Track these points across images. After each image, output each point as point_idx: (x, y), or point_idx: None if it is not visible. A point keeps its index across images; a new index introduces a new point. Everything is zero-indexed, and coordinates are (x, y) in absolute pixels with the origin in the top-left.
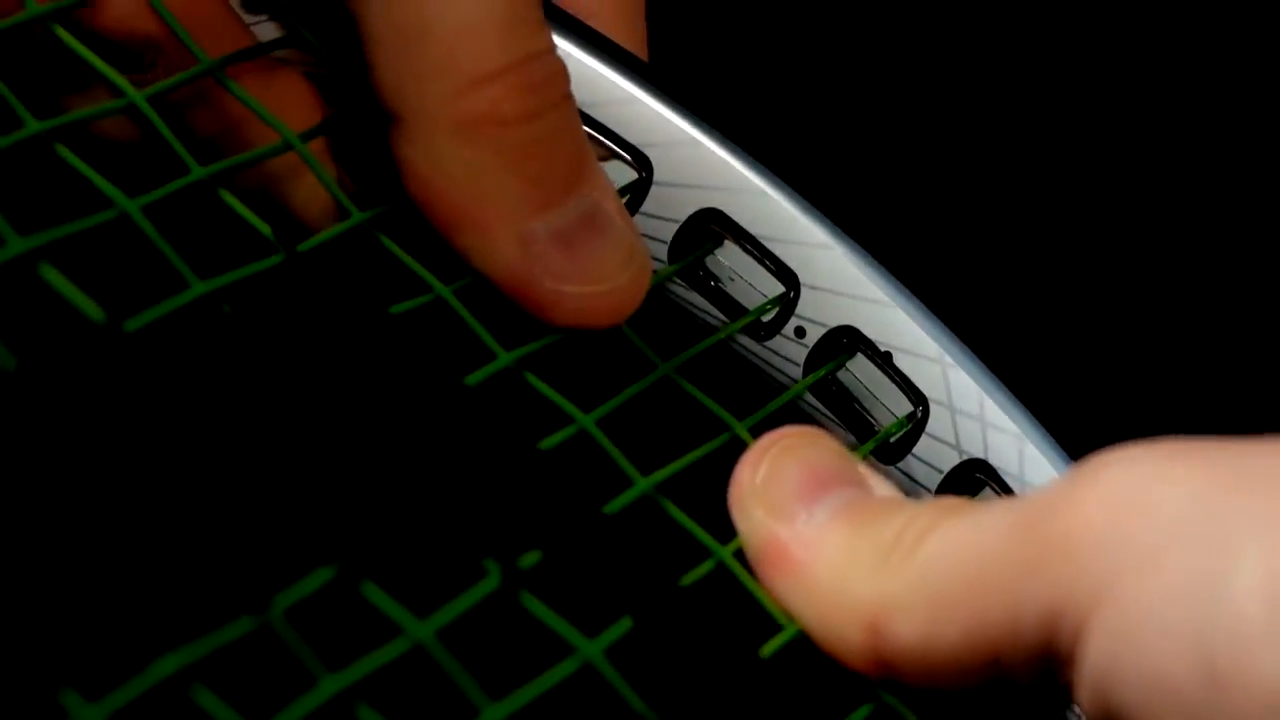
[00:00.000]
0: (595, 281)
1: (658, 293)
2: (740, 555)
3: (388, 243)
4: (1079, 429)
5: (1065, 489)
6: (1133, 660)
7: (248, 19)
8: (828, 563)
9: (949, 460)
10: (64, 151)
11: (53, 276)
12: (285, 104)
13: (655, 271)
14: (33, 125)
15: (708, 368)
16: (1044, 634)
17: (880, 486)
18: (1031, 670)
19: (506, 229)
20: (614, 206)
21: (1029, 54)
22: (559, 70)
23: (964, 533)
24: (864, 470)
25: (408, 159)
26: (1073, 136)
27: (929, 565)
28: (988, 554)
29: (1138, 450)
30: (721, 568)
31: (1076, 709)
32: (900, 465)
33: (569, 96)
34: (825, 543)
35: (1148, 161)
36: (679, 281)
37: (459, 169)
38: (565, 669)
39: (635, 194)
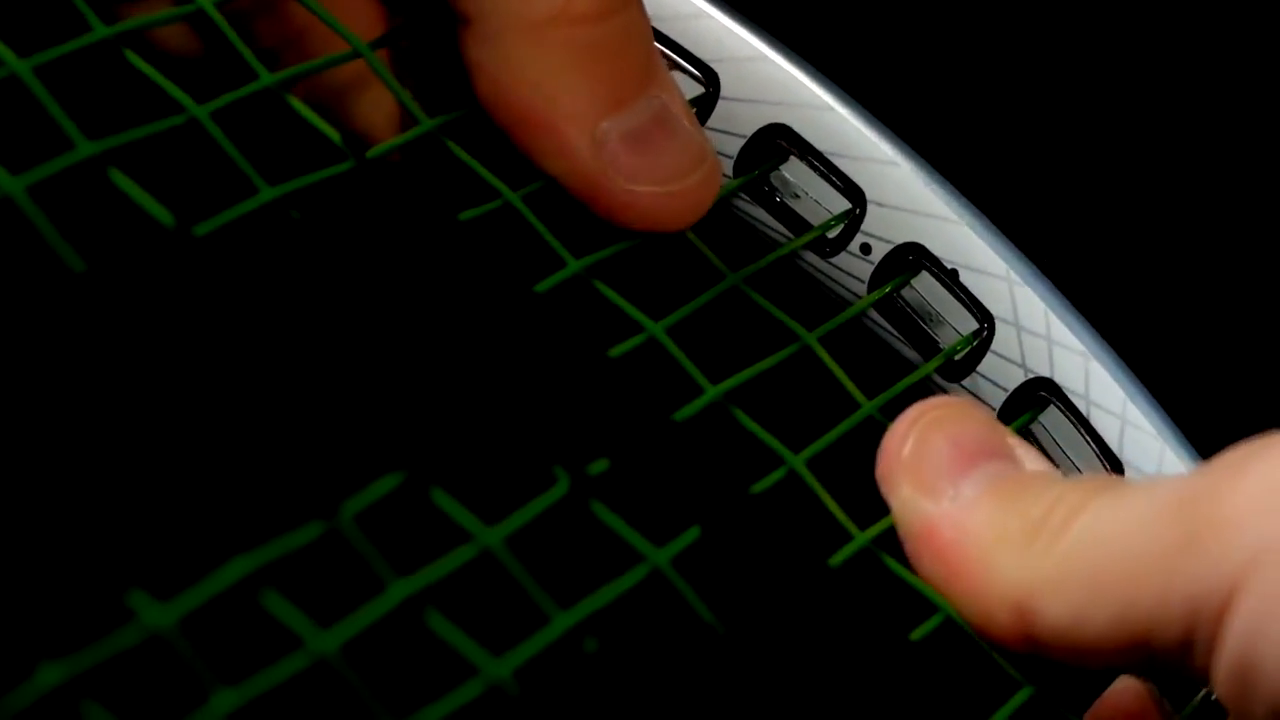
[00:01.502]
0: (666, 181)
1: (723, 207)
2: (813, 464)
3: (456, 149)
4: (1145, 347)
5: (1217, 475)
6: (1276, 634)
7: None
8: (975, 542)
9: (1015, 378)
10: (133, 57)
11: (122, 181)
12: (351, 15)
13: (722, 185)
14: (100, 30)
15: (773, 283)
16: (1190, 616)
17: (1029, 459)
18: (1176, 654)
19: (578, 129)
20: (682, 108)
21: None
22: None
23: (1115, 514)
24: (1013, 441)
25: (478, 61)
26: (1145, 52)
27: (1079, 547)
28: (1139, 538)
29: None
30: (792, 476)
31: (1212, 693)
32: (965, 383)
33: None
34: (973, 521)
35: (1232, 108)
36: (744, 197)
37: (530, 69)
38: (633, 577)
39: (702, 109)
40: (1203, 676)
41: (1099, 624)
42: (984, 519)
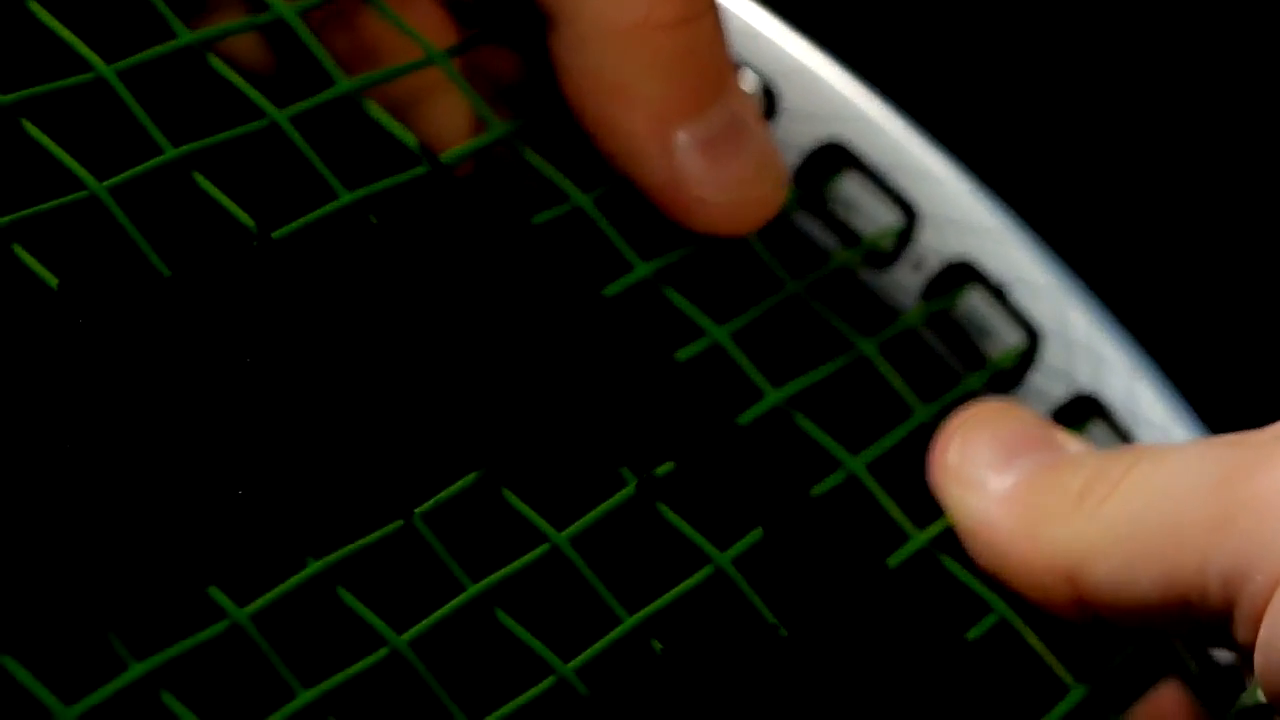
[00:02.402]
0: (737, 190)
1: (781, 220)
2: (872, 468)
3: (528, 154)
4: (1192, 364)
5: (1263, 449)
6: None
7: None
8: (1024, 519)
9: (1061, 394)
10: (216, 63)
11: (206, 185)
12: (425, 24)
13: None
14: (185, 35)
15: (828, 294)
16: (1230, 591)
17: (1074, 447)
18: (1216, 622)
19: (656, 134)
20: (755, 117)
21: None
22: None
23: (1158, 481)
24: (1059, 434)
25: (564, 61)
26: (1203, 70)
27: (1123, 512)
28: (1181, 506)
29: None
30: (852, 479)
31: (1247, 696)
32: (1012, 397)
33: (716, 5)
34: (1017, 501)
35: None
36: (802, 209)
37: (615, 73)
38: (698, 578)
39: None
40: (1246, 648)
41: (1144, 586)
42: (1027, 498)
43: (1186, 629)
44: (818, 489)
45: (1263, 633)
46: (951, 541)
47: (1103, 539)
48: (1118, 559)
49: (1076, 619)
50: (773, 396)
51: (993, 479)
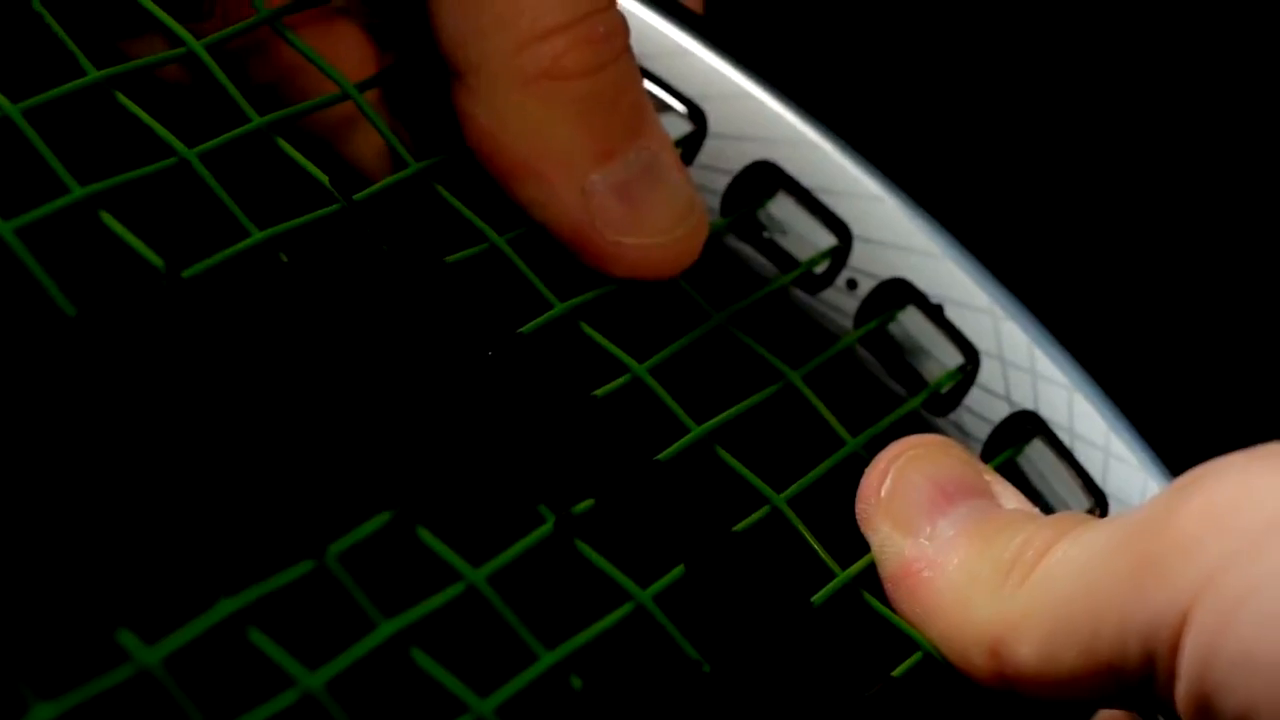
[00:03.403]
0: (654, 234)
1: (711, 244)
2: (793, 504)
3: (444, 193)
4: (1129, 381)
5: (1167, 502)
6: (1231, 643)
7: None
8: (951, 582)
9: (1000, 412)
10: (123, 99)
11: (113, 224)
12: (342, 54)
13: (708, 234)
14: (93, 74)
15: (760, 319)
16: (1148, 645)
17: (1007, 496)
18: (1140, 684)
19: (567, 181)
20: (672, 159)
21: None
22: (619, 24)
23: (1079, 550)
24: (991, 478)
25: (469, 112)
26: (1128, 87)
27: (1044, 588)
28: (1095, 574)
29: (1237, 458)
30: (775, 514)
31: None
32: (951, 417)
33: (629, 50)
34: (948, 562)
35: (1204, 116)
36: (732, 234)
37: (521, 122)
38: (618, 614)
39: (689, 146)
40: (1169, 708)
41: (1068, 660)
42: (959, 560)
43: (1115, 698)
44: (740, 525)
45: (1178, 673)
46: (876, 578)
47: (1026, 612)
48: (1041, 633)
49: (997, 688)
50: (695, 432)
51: (928, 527)
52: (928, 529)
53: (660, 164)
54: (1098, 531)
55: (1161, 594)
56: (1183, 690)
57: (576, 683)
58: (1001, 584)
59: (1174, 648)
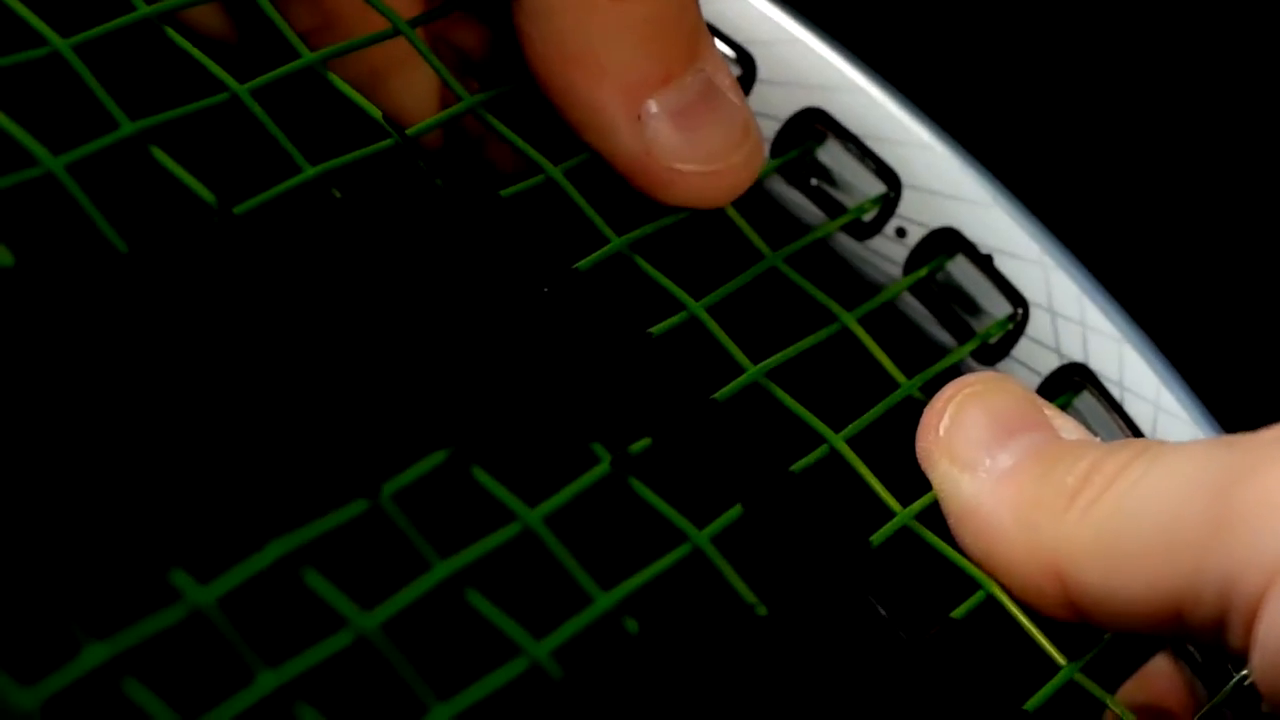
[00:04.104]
0: (710, 160)
1: (759, 190)
2: (853, 443)
3: (497, 124)
4: (1179, 333)
5: (1259, 451)
6: None
7: None
8: (1013, 509)
9: (1049, 363)
10: (174, 35)
11: (164, 159)
12: None
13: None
14: (142, 8)
15: (809, 265)
16: (1225, 597)
17: (1068, 429)
18: (1210, 628)
19: (624, 105)
20: (729, 83)
21: None
22: None
23: (1151, 483)
24: (1051, 413)
25: (528, 33)
26: (1189, 33)
27: (1114, 515)
28: (1174, 511)
29: None
30: (832, 455)
31: (1248, 672)
32: (1000, 367)
33: None
34: (1010, 491)
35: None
36: (781, 179)
37: (579, 43)
38: (674, 556)
39: None
40: (1240, 655)
41: (1132, 592)
42: (1021, 488)
43: (1178, 634)
44: (798, 465)
45: (1258, 637)
46: (937, 517)
47: (1094, 541)
48: (1108, 562)
49: (1064, 618)
50: (751, 371)
51: (986, 459)
52: (986, 462)
53: (716, 88)
54: (1175, 462)
55: (1245, 551)
56: (1260, 655)
57: (632, 625)
58: (1067, 509)
59: (1253, 608)
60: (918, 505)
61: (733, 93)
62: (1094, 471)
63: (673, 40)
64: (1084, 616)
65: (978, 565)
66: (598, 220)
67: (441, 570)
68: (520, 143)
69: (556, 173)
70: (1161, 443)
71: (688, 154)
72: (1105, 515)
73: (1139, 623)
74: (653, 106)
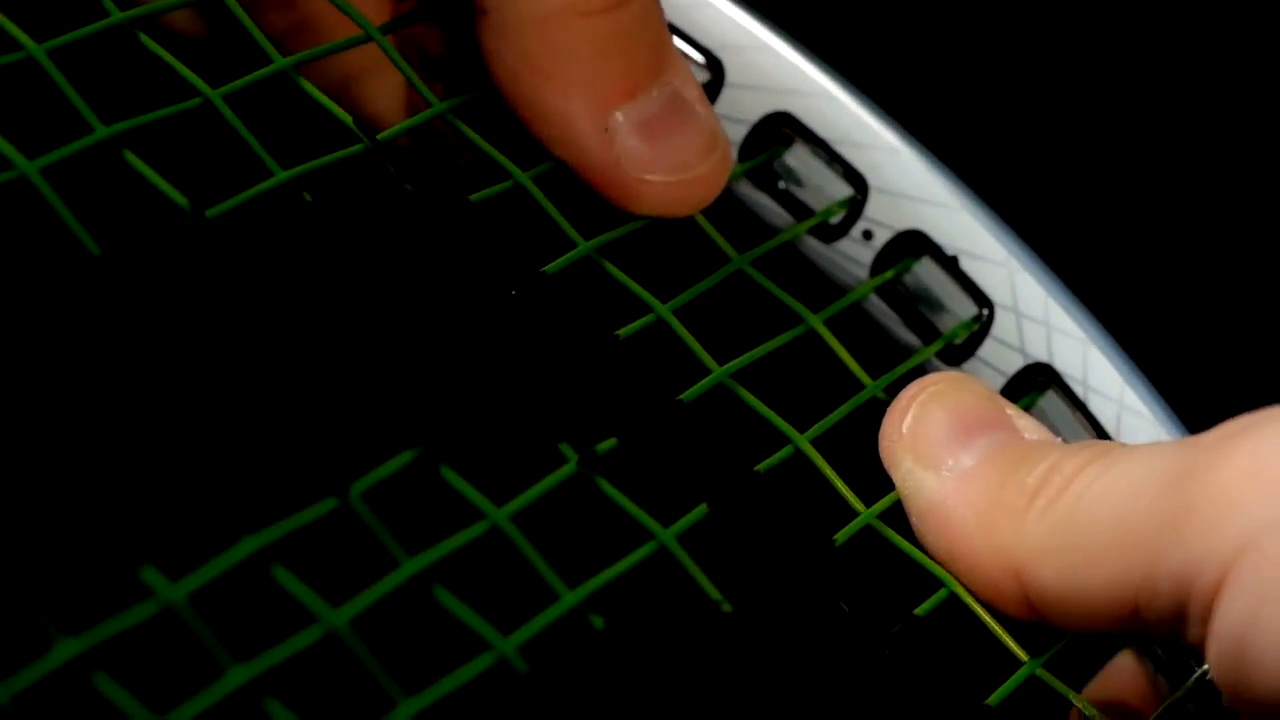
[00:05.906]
0: (678, 170)
1: (726, 193)
2: (818, 444)
3: (466, 130)
4: (1142, 333)
5: (1211, 448)
6: (1271, 618)
7: None
8: (974, 509)
9: (1013, 364)
10: (147, 40)
11: (137, 163)
12: (362, 1)
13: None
14: (115, 14)
15: (775, 268)
16: (1180, 592)
17: (1030, 429)
18: (1167, 624)
19: (591, 118)
20: (695, 94)
21: None
22: None
23: (1107, 483)
24: (1013, 413)
25: (493, 49)
26: (1149, 38)
27: (1071, 514)
28: (1129, 508)
29: None
30: (797, 455)
31: (1207, 666)
32: (965, 367)
33: None
34: (971, 490)
35: (1223, 80)
36: (748, 183)
37: (545, 59)
38: (640, 554)
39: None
40: (1198, 649)
41: (1089, 591)
42: (982, 488)
43: (1136, 631)
44: (763, 465)
45: (1213, 630)
46: (900, 516)
47: (1051, 541)
48: (1065, 562)
49: (1024, 618)
50: (717, 373)
51: (949, 459)
52: (949, 461)
53: (683, 100)
54: (1130, 463)
55: (1200, 544)
56: (1217, 649)
57: (598, 622)
58: (1026, 509)
59: (1209, 601)
60: (881, 504)
61: (699, 103)
62: (1053, 472)
63: (639, 53)
64: (1043, 616)
65: (940, 564)
66: (565, 225)
67: (410, 567)
68: (488, 148)
69: (525, 178)
70: (1121, 445)
71: (656, 165)
72: (1062, 516)
73: (1097, 621)
74: (620, 118)
